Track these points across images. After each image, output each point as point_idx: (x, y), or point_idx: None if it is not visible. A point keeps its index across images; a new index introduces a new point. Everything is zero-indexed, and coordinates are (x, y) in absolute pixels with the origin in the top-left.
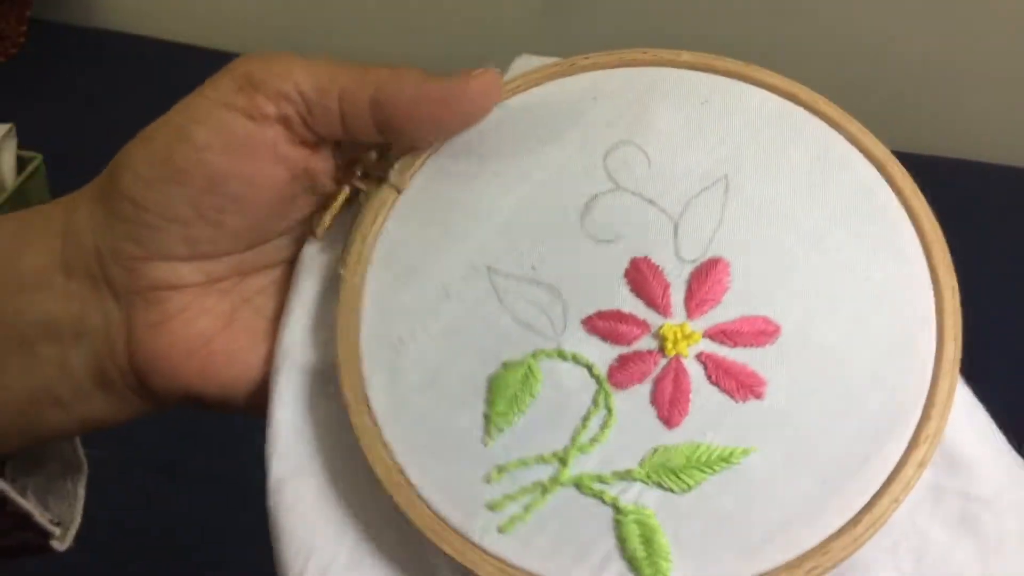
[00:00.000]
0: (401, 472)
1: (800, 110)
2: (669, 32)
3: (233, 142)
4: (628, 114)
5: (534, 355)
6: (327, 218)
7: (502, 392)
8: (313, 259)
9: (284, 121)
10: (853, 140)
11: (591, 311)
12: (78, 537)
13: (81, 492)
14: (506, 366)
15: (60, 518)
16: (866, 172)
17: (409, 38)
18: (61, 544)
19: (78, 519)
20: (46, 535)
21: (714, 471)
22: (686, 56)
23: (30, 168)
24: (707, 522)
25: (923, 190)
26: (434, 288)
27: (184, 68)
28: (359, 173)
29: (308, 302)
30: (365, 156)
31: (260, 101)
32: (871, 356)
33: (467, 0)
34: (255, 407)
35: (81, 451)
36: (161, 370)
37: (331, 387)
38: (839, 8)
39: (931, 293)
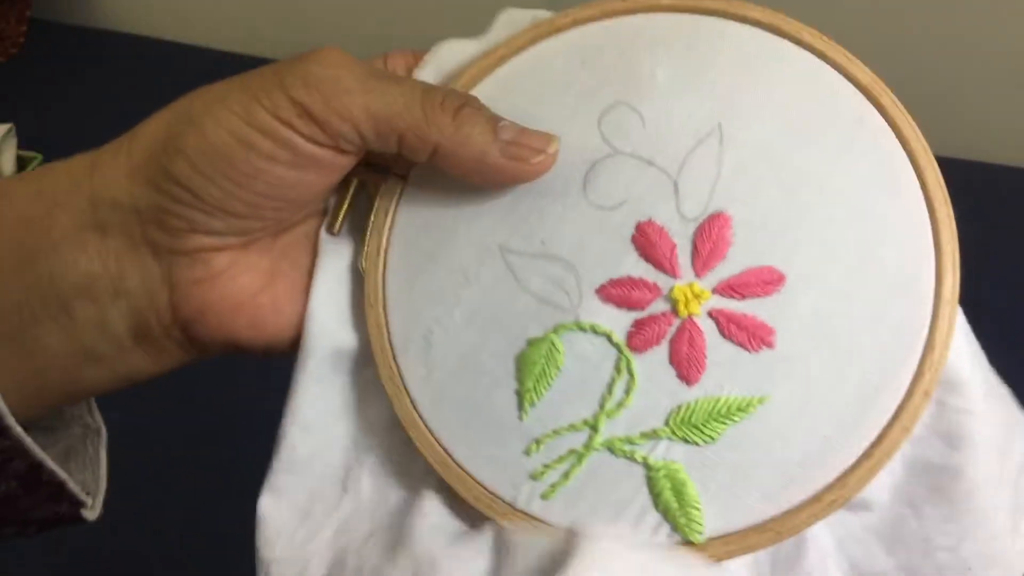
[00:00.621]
0: (448, 452)
1: (785, 43)
2: None
3: (298, 160)
4: (616, 73)
5: (555, 330)
6: (341, 214)
7: (530, 369)
8: (331, 250)
9: (346, 150)
10: (840, 69)
11: (604, 280)
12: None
13: (103, 456)
14: (530, 343)
15: (85, 486)
16: (855, 102)
17: (409, 38)
18: (92, 513)
19: (103, 485)
20: (78, 504)
21: (734, 421)
22: (666, 0)
23: (30, 168)
24: (731, 470)
25: None
26: (453, 275)
27: (184, 68)
28: (364, 164)
29: (332, 289)
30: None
31: (320, 136)
32: (874, 294)
33: (467, 0)
34: (295, 350)
35: (98, 415)
36: (209, 324)
37: (360, 374)
38: (839, 7)
39: (928, 225)
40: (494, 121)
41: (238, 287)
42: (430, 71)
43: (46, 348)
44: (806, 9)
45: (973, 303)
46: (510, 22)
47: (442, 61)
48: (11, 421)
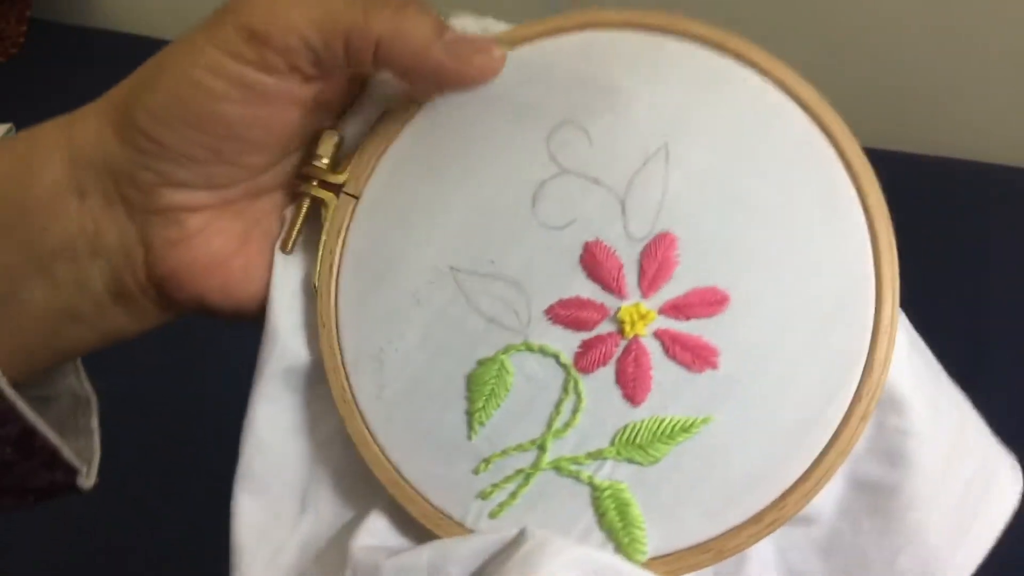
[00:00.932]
0: (398, 472)
1: (730, 61)
2: None
3: (250, 93)
4: (563, 92)
5: (504, 350)
6: (293, 233)
7: (480, 389)
8: (286, 266)
9: (295, 69)
10: (785, 88)
11: (553, 300)
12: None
13: (95, 425)
14: (480, 364)
15: (79, 454)
16: (799, 122)
17: None
18: (87, 481)
19: (97, 453)
20: (73, 472)
21: (677, 442)
22: (612, 15)
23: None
24: (674, 490)
25: (923, 190)
26: (404, 295)
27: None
28: (315, 183)
29: (287, 308)
30: (318, 166)
31: (269, 56)
32: (814, 318)
33: (467, 1)
34: (262, 318)
35: (88, 384)
36: (181, 284)
37: (313, 390)
38: (839, 7)
39: (868, 249)
40: (439, 21)
41: (211, 250)
42: None
43: (30, 308)
44: (806, 9)
45: (973, 303)
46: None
47: None
48: (3, 383)
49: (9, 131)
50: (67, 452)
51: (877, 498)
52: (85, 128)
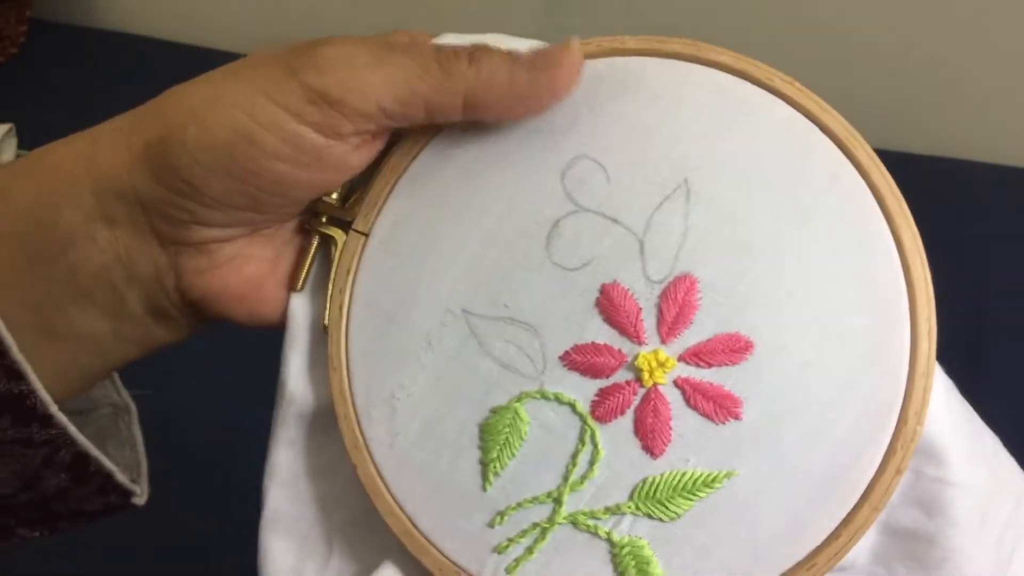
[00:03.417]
0: (412, 522)
1: (755, 90)
2: (669, 32)
3: (304, 157)
4: (579, 123)
5: (519, 398)
6: (303, 273)
7: (494, 438)
8: (300, 307)
9: (359, 133)
10: (813, 119)
11: (568, 346)
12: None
13: (138, 433)
14: (494, 412)
15: (126, 465)
16: (828, 155)
17: None
18: (140, 499)
19: (144, 463)
20: (127, 493)
21: (700, 497)
22: (631, 43)
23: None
24: (697, 547)
25: (923, 190)
26: (415, 338)
27: (184, 68)
28: (324, 219)
29: (302, 348)
30: (327, 202)
31: (336, 120)
32: (845, 363)
33: (471, 7)
34: None
35: (125, 392)
36: (212, 309)
37: (330, 434)
38: (839, 7)
39: (903, 289)
40: (508, 52)
41: (242, 277)
42: None
43: (78, 334)
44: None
45: (975, 304)
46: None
47: None
48: (54, 409)
49: (9, 131)
50: (120, 476)
51: (913, 546)
52: (115, 157)
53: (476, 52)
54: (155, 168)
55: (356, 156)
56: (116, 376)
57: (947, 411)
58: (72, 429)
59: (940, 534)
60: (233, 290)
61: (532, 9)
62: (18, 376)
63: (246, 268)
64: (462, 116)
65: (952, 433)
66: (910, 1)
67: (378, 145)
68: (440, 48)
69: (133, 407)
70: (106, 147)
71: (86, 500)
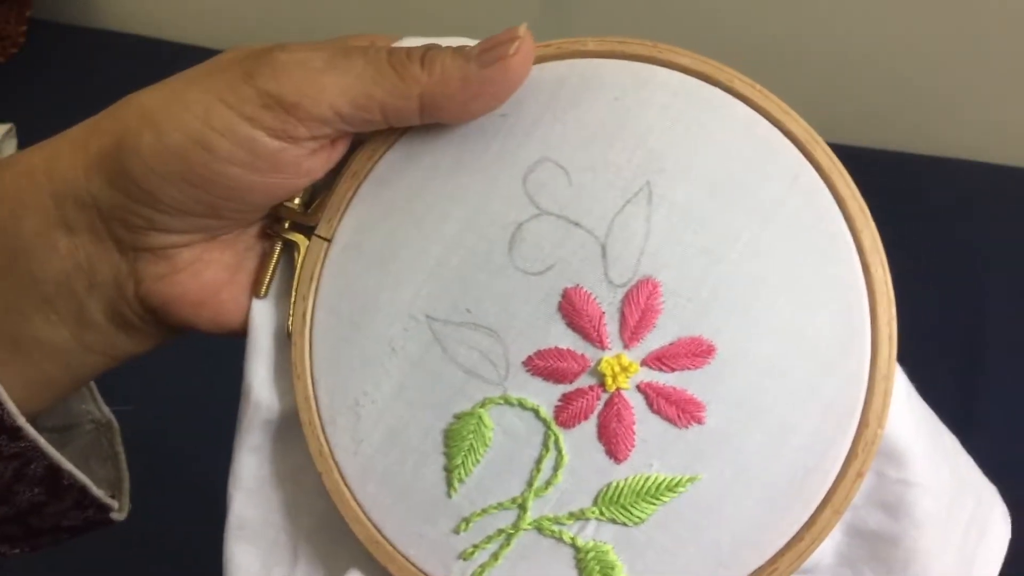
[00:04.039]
0: (378, 529)
1: (716, 92)
2: (668, 32)
3: (259, 161)
4: (540, 126)
5: (483, 404)
6: (266, 279)
7: (458, 444)
8: (264, 313)
9: (315, 138)
10: (774, 121)
11: (531, 351)
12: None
13: (120, 450)
14: (458, 418)
15: (109, 482)
16: (789, 158)
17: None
18: (120, 514)
19: (126, 479)
20: (106, 509)
21: (663, 501)
22: (591, 44)
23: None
24: (661, 552)
25: (923, 190)
26: (379, 344)
27: (184, 68)
28: (286, 225)
29: (266, 354)
30: (289, 207)
31: (291, 126)
32: (807, 367)
33: (466, 0)
34: None
35: (107, 409)
36: (172, 316)
37: (294, 439)
38: (839, 7)
39: (863, 292)
40: (459, 50)
41: (202, 282)
42: None
43: (42, 343)
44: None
45: (974, 305)
46: None
47: None
48: (22, 421)
49: (9, 131)
50: (96, 491)
51: (878, 547)
52: (69, 164)
53: (428, 53)
54: (111, 175)
55: (314, 161)
56: (97, 393)
57: (909, 413)
58: (42, 441)
59: (905, 535)
60: (192, 296)
61: (531, 9)
62: None
63: (205, 274)
64: (420, 119)
65: (914, 435)
66: (910, 1)
67: (339, 150)
68: (393, 52)
69: (115, 424)
70: (65, 154)
71: (64, 515)
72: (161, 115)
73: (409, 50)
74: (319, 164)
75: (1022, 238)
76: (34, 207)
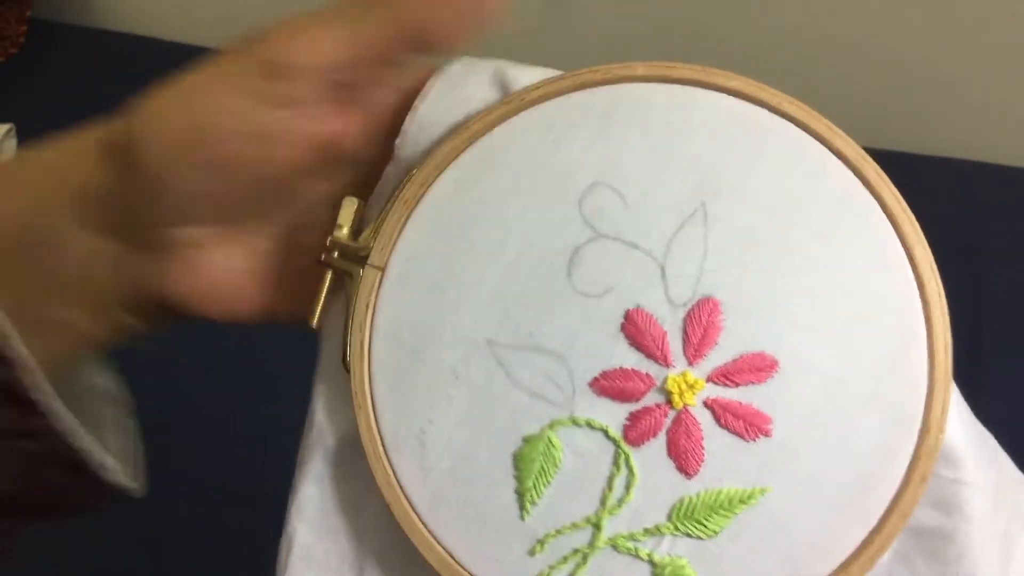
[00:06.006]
0: (451, 555)
1: (765, 113)
2: (669, 31)
3: (262, 133)
4: (593, 152)
5: (551, 426)
6: (317, 308)
7: (528, 467)
8: (326, 340)
9: (321, 100)
10: (824, 141)
11: (596, 372)
12: None
13: (133, 425)
14: (526, 440)
15: (124, 451)
16: (841, 177)
17: None
18: (117, 475)
19: (140, 451)
20: (108, 481)
21: (736, 513)
22: (640, 69)
23: None
24: (736, 563)
25: (922, 190)
26: (441, 371)
27: (184, 68)
28: (336, 255)
29: (327, 382)
30: (338, 236)
31: (289, 87)
32: (867, 377)
33: None
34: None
35: (123, 388)
36: (187, 310)
37: (358, 466)
38: (839, 7)
39: (918, 303)
40: None
41: (213, 277)
42: (435, 98)
43: (70, 329)
44: (805, 9)
45: (973, 303)
46: (464, 75)
47: (447, 91)
48: (59, 405)
49: (9, 131)
50: (112, 468)
51: (932, 543)
52: (84, 161)
53: None
54: (123, 167)
55: (322, 127)
56: (112, 367)
57: (957, 416)
58: (66, 419)
59: (957, 531)
60: (204, 289)
61: (531, 9)
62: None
63: (218, 268)
64: (412, 48)
65: (964, 437)
66: (910, 1)
67: (351, 119)
68: None
69: (128, 398)
70: (79, 150)
71: (84, 491)
72: (167, 105)
73: None
74: (325, 131)
75: (1022, 238)
76: (52, 201)
